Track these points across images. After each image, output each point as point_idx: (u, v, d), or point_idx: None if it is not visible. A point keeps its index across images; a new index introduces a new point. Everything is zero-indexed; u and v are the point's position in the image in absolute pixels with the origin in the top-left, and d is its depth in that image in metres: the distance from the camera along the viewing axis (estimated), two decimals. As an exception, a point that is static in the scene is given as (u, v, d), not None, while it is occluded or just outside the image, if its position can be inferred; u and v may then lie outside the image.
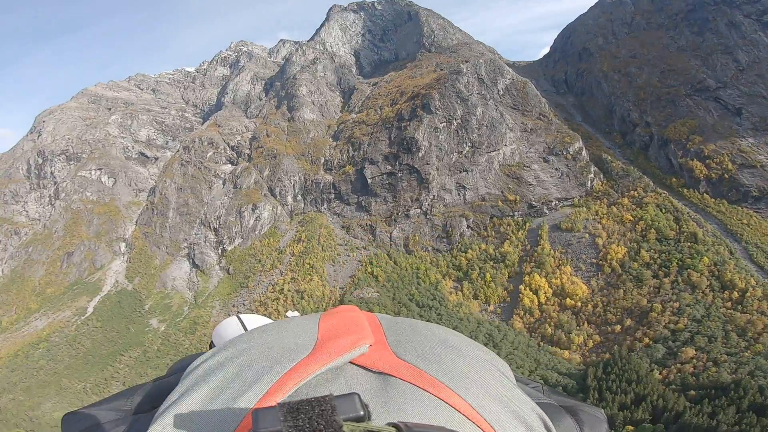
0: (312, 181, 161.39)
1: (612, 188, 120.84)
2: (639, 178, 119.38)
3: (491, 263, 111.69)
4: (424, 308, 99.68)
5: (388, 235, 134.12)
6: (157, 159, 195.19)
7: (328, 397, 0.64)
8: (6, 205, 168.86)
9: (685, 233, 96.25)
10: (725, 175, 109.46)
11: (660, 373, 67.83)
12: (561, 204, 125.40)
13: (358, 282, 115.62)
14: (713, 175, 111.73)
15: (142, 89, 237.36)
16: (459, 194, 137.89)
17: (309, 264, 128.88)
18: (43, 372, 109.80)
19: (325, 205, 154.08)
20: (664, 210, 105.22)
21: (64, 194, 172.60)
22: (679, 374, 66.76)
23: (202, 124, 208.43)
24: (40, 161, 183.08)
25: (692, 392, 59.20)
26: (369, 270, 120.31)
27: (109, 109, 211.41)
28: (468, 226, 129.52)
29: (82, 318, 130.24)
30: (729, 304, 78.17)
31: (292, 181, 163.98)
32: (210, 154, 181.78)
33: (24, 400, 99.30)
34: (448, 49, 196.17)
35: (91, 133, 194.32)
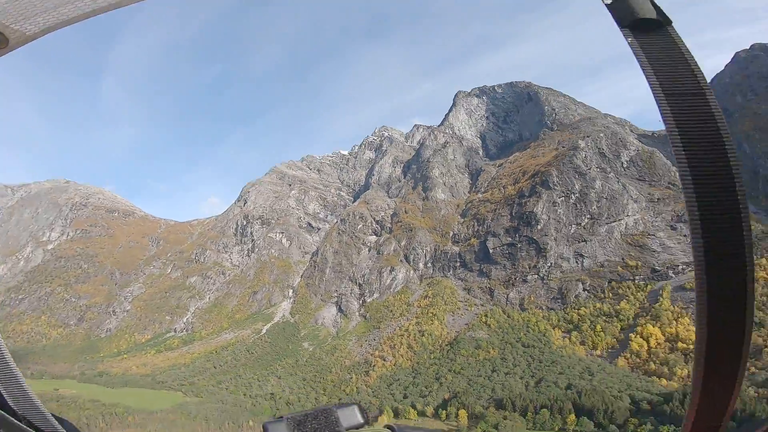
0: (441, 251, 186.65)
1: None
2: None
3: (604, 318, 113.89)
4: (528, 347, 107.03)
5: (505, 296, 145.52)
6: (319, 230, 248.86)
7: (331, 409, 0.78)
8: (219, 253, 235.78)
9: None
10: None
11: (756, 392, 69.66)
12: (689, 268, 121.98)
13: (472, 327, 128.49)
14: None
15: (310, 169, 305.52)
16: (577, 262, 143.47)
17: (432, 313, 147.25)
18: (226, 365, 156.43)
19: (451, 272, 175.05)
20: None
21: (257, 249, 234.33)
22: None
23: (354, 201, 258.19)
24: (245, 223, 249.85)
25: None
26: (483, 320, 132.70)
27: (290, 185, 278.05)
28: (584, 289, 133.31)
29: (258, 336, 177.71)
30: None
31: (424, 251, 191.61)
32: (360, 226, 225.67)
33: (209, 385, 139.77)
34: (571, 125, 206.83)
35: (278, 204, 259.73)
